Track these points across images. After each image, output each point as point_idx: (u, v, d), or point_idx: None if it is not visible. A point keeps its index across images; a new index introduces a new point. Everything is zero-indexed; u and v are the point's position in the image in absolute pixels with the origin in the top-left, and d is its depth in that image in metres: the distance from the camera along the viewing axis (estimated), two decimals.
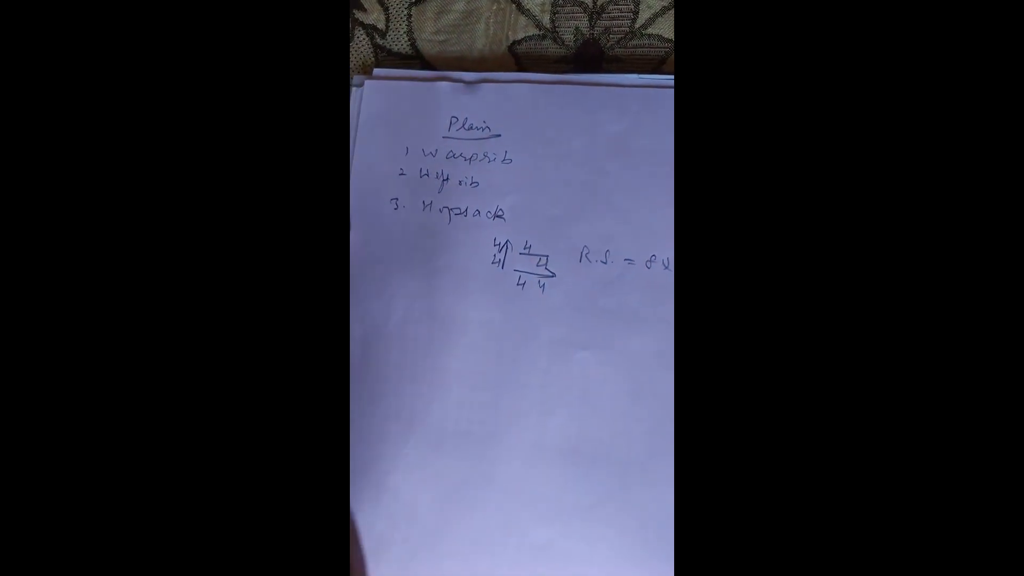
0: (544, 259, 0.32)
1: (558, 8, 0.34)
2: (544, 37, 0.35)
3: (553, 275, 0.32)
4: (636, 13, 0.34)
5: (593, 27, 0.34)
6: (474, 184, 0.33)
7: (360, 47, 0.37)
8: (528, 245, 0.32)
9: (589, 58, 0.34)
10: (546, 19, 0.35)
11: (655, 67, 0.33)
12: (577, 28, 0.34)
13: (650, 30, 0.33)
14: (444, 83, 0.34)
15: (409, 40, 0.36)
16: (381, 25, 0.36)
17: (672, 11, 0.33)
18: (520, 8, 0.35)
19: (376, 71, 0.35)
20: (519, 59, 0.35)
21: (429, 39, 0.36)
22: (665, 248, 0.31)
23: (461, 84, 0.34)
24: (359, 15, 0.36)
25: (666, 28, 0.33)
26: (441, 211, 0.34)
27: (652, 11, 0.33)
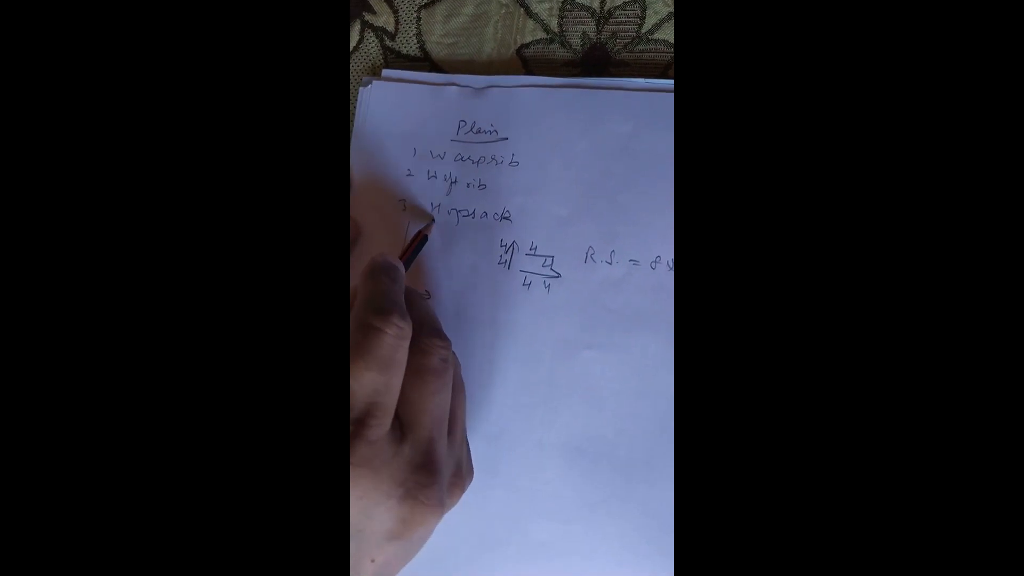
0: (550, 260, 0.33)
1: (566, 12, 0.35)
2: (552, 41, 0.35)
3: (558, 275, 0.32)
4: (643, 18, 0.34)
5: (600, 32, 0.34)
6: (482, 186, 0.34)
7: (369, 49, 0.37)
8: (534, 246, 0.33)
9: (596, 62, 0.34)
10: (554, 23, 0.35)
11: (661, 72, 0.34)
12: (584, 32, 0.35)
13: (656, 35, 0.34)
14: (453, 87, 0.35)
15: (418, 43, 0.36)
16: (390, 27, 0.37)
17: None
18: (528, 12, 0.35)
19: (385, 72, 0.36)
20: (527, 62, 0.35)
21: (438, 42, 0.36)
22: (669, 249, 0.32)
23: (469, 89, 0.35)
24: (369, 17, 0.37)
25: (672, 33, 0.34)
26: (449, 213, 0.34)
27: (659, 16, 0.34)
